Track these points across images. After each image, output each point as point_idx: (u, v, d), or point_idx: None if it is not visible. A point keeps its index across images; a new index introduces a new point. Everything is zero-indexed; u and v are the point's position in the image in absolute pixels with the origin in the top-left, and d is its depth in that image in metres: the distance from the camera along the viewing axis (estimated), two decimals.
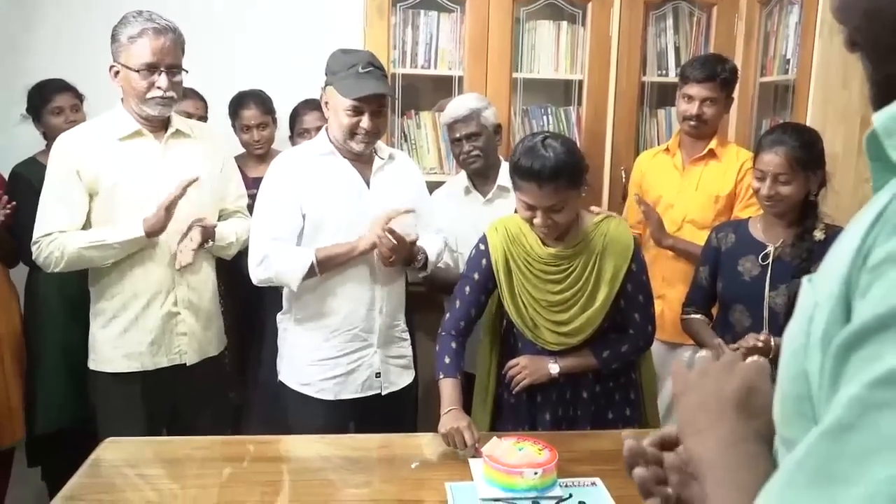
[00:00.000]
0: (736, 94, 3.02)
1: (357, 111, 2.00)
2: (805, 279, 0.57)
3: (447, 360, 1.89)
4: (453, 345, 1.91)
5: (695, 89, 2.45)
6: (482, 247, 1.96)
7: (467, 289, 1.96)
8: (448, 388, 1.84)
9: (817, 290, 0.53)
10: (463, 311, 1.95)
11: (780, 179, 1.92)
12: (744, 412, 0.65)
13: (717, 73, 2.43)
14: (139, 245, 2.08)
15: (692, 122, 2.48)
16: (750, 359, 0.70)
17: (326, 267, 2.03)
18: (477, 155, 2.50)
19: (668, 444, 0.74)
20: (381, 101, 2.05)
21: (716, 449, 0.63)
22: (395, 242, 1.97)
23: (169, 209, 2.02)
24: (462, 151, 2.51)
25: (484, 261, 1.95)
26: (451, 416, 1.77)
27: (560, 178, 1.73)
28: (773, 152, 1.92)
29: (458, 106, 2.51)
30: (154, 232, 2.05)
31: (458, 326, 1.94)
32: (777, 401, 0.57)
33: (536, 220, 1.78)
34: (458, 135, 2.50)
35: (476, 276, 1.95)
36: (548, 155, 1.72)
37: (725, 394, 0.67)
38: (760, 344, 1.86)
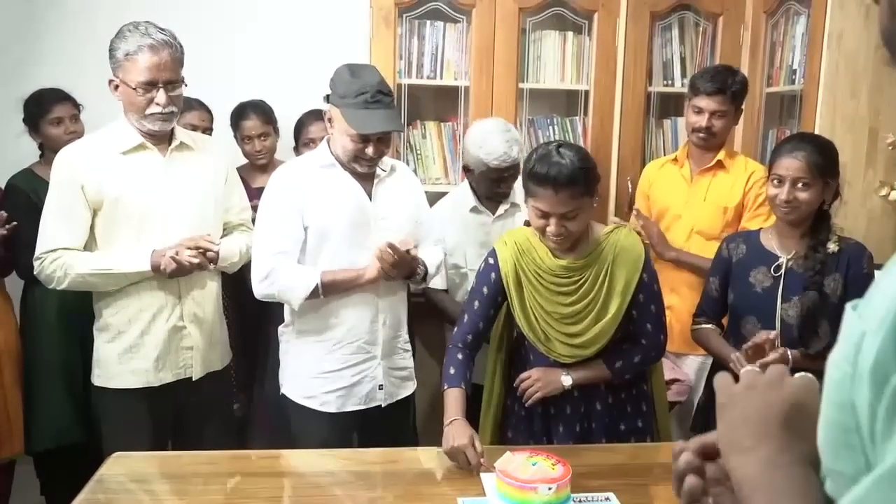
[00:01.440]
0: (743, 105, 3.04)
1: (363, 139, 1.98)
2: (849, 306, 0.55)
3: (451, 370, 1.87)
4: (459, 356, 1.90)
5: (704, 102, 2.43)
6: (491, 260, 1.95)
7: (476, 303, 1.94)
8: (451, 399, 1.82)
9: (865, 320, 0.51)
10: (471, 325, 1.94)
11: (800, 184, 1.90)
12: (791, 432, 0.62)
13: (727, 85, 2.41)
14: (144, 277, 2.06)
15: (701, 135, 2.46)
16: (798, 375, 0.67)
17: (331, 291, 2.02)
18: (511, 189, 2.50)
19: (710, 454, 0.71)
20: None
21: (761, 470, 0.60)
22: (395, 258, 1.96)
23: (181, 262, 2.01)
24: (499, 188, 2.47)
25: (493, 274, 1.93)
26: (453, 428, 1.74)
27: (576, 184, 1.72)
28: (792, 157, 1.91)
29: (507, 147, 2.38)
30: (160, 272, 2.03)
31: (466, 339, 1.93)
32: (821, 428, 0.55)
33: (550, 228, 1.77)
34: (505, 175, 2.44)
35: (485, 289, 1.94)
36: (563, 161, 1.72)
37: (773, 411, 0.63)
38: (772, 336, 1.84)
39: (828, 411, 0.53)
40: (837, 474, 0.52)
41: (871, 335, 0.49)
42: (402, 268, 2.01)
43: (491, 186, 2.48)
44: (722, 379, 0.69)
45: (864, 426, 0.48)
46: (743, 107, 2.54)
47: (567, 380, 1.88)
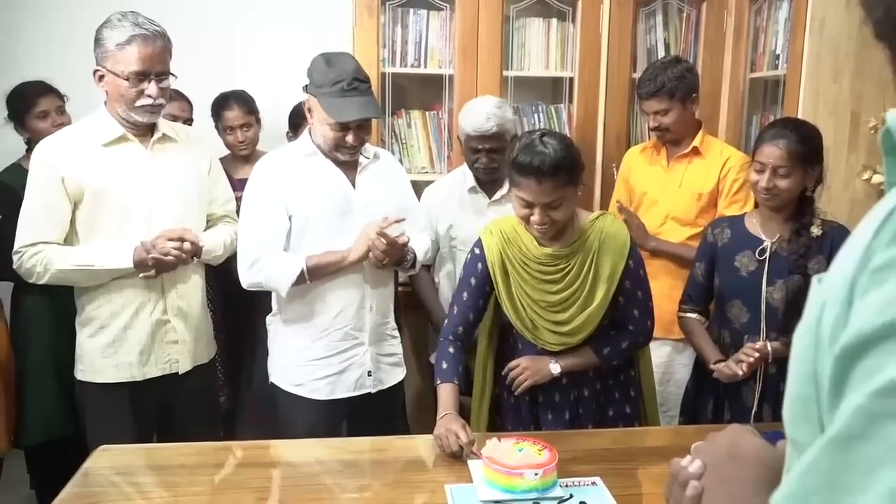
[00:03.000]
0: (726, 91, 3.05)
1: (342, 127, 1.98)
2: (815, 279, 0.56)
3: (444, 365, 1.87)
4: (451, 350, 1.90)
5: (646, 104, 2.52)
6: (477, 251, 1.94)
7: (465, 294, 1.94)
8: (444, 394, 1.82)
9: (826, 290, 0.52)
10: (461, 317, 1.93)
11: (779, 172, 1.92)
12: (739, 463, 0.72)
13: (660, 85, 2.45)
14: (126, 273, 2.04)
15: (657, 134, 2.55)
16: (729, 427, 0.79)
17: (316, 275, 2.02)
18: (494, 167, 2.49)
19: None
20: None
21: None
22: (387, 246, 1.96)
23: (160, 259, 1.99)
24: (480, 161, 2.48)
25: (480, 265, 1.93)
26: (445, 419, 1.75)
27: (559, 173, 1.72)
28: (773, 145, 1.93)
29: (484, 119, 2.42)
30: (143, 268, 2.01)
31: (457, 332, 1.92)
32: (786, 401, 0.57)
33: (534, 218, 1.76)
34: (479, 146, 2.46)
35: (472, 280, 1.93)
36: (547, 151, 1.72)
37: (718, 457, 0.74)
38: (758, 354, 1.89)
39: (793, 384, 0.54)
40: (797, 444, 0.53)
41: (830, 304, 0.50)
42: (392, 255, 2.01)
43: (470, 158, 2.52)
44: (673, 466, 0.79)
45: (823, 396, 0.49)
46: (695, 94, 2.54)
47: (556, 368, 1.88)
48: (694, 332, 2.12)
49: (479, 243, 1.95)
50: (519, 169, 1.74)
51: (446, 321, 1.96)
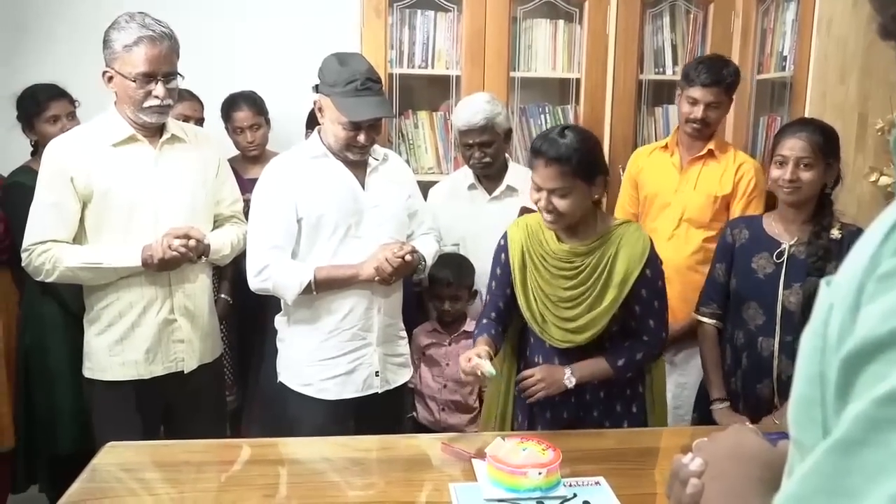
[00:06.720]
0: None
1: (354, 127, 2.00)
2: (823, 281, 0.56)
3: (477, 331, 1.95)
4: (484, 321, 1.96)
5: (699, 93, 2.42)
6: (502, 242, 2.00)
7: (493, 283, 2.01)
8: (478, 342, 1.87)
9: (833, 293, 0.52)
10: (492, 305, 2.00)
11: (803, 163, 1.91)
12: (739, 461, 0.73)
13: (722, 77, 2.41)
14: (133, 271, 2.05)
15: (696, 125, 2.45)
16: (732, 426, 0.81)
17: (324, 287, 2.04)
18: (488, 162, 2.52)
19: None
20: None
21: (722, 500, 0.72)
22: (395, 269, 2.01)
23: (165, 259, 2.01)
24: (473, 157, 2.53)
25: (503, 255, 1.98)
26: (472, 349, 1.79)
27: (564, 162, 1.75)
28: (795, 137, 1.93)
29: (472, 113, 2.48)
30: (149, 266, 2.03)
31: (491, 316, 1.98)
32: (791, 402, 0.57)
33: (540, 203, 1.80)
34: (470, 141, 2.50)
35: (498, 271, 2.00)
36: (560, 140, 1.77)
37: (719, 455, 0.75)
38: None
39: (798, 385, 0.54)
40: (800, 444, 0.53)
41: (837, 308, 0.50)
42: (400, 274, 2.06)
43: (465, 154, 2.57)
44: (675, 463, 0.80)
45: (829, 399, 0.49)
46: (733, 96, 2.54)
47: (570, 381, 1.88)
48: (706, 347, 2.11)
49: (505, 235, 2.00)
50: (533, 152, 1.81)
51: (482, 310, 2.03)
